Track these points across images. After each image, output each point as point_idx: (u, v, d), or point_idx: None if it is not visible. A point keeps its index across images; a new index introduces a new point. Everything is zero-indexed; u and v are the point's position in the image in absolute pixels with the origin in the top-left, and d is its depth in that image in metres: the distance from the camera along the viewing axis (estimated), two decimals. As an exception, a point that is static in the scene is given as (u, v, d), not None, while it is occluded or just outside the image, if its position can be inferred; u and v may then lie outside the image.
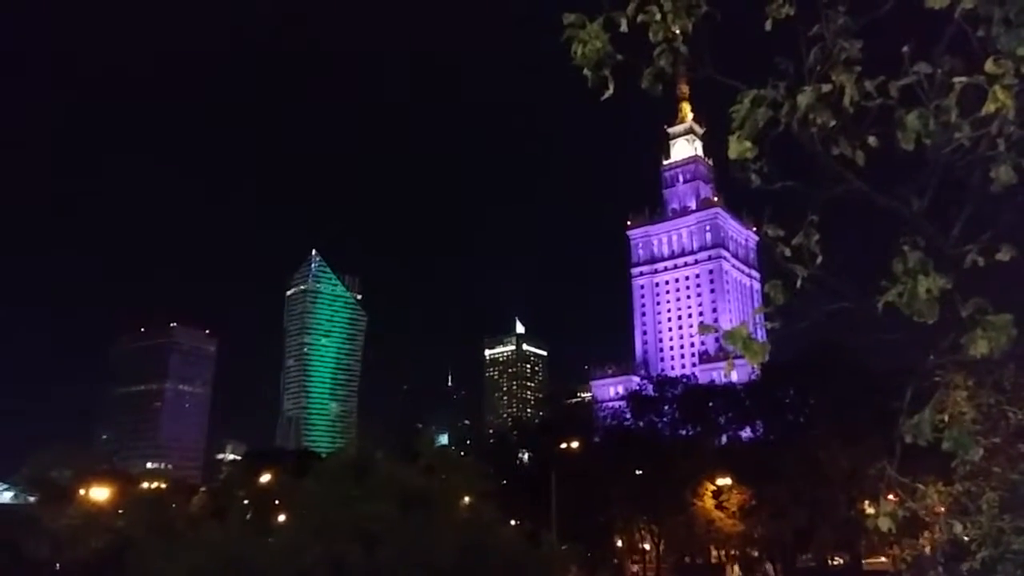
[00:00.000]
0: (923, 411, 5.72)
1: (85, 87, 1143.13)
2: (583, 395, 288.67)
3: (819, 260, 5.83)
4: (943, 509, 7.22)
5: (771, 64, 5.62)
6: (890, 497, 6.54)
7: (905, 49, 5.24)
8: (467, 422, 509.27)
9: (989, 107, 5.04)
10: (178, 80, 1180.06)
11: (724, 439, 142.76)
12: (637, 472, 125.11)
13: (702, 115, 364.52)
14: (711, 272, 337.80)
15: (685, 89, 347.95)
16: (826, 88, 5.44)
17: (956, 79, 5.15)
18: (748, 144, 5.59)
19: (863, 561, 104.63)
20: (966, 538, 6.45)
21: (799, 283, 5.81)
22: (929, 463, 7.39)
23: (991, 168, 5.32)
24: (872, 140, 5.50)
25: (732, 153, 5.63)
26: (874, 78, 5.38)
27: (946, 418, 5.85)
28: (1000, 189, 5.32)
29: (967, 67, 5.16)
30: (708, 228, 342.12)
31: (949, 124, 5.23)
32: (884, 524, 6.36)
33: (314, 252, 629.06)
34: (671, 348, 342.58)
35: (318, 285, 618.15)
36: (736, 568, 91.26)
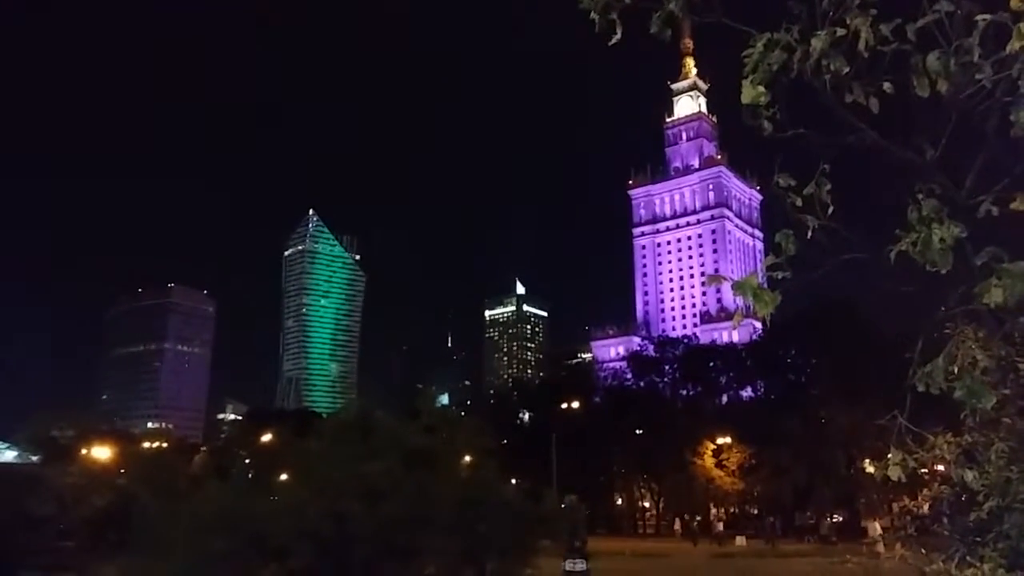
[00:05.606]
0: (937, 360, 5.69)
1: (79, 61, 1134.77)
2: (583, 356, 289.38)
3: (831, 210, 5.75)
4: (942, 466, 7.27)
5: (783, 8, 5.49)
6: (895, 450, 6.56)
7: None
8: (467, 383, 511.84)
9: (1014, 45, 4.92)
10: (173, 39, 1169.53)
11: (725, 399, 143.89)
12: (637, 432, 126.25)
13: (706, 71, 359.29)
14: (714, 232, 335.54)
15: (689, 44, 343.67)
16: (840, 32, 5.31)
17: (980, 17, 5.03)
18: (762, 89, 5.47)
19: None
20: (976, 488, 6.49)
21: (810, 233, 5.74)
22: (936, 416, 7.41)
23: (1011, 112, 5.22)
24: (887, 86, 5.39)
25: (745, 98, 5.50)
26: (890, 21, 5.25)
27: (956, 369, 5.80)
28: (1020, 133, 5.22)
29: (986, 8, 5.05)
30: (711, 187, 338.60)
31: (971, 65, 5.12)
32: (894, 473, 6.37)
33: (311, 212, 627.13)
34: (672, 309, 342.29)
35: (316, 245, 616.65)
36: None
